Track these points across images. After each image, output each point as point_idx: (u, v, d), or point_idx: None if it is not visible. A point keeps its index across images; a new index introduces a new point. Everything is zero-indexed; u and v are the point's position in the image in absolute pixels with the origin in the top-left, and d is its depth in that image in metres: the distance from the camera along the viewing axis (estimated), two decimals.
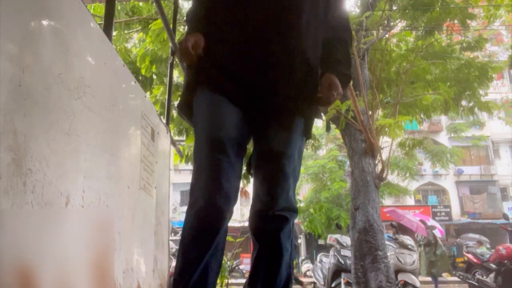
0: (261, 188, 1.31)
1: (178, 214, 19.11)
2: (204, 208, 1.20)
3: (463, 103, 7.07)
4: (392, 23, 6.54)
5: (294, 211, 1.32)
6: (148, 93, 5.92)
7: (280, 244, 1.28)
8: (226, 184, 1.21)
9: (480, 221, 19.21)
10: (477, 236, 10.53)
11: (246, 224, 1.46)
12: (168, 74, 3.40)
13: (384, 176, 5.62)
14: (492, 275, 6.96)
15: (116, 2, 2.39)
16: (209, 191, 1.20)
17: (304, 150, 1.42)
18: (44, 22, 1.20)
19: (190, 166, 6.60)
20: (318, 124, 12.25)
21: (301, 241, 19.86)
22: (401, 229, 7.52)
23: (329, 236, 7.44)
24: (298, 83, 1.29)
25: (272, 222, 1.28)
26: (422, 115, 7.04)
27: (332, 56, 1.37)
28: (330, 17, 1.40)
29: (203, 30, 1.28)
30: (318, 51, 1.37)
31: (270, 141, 1.30)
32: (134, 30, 6.18)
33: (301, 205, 13.11)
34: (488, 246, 8.96)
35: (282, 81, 1.27)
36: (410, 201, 19.85)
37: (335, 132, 9.99)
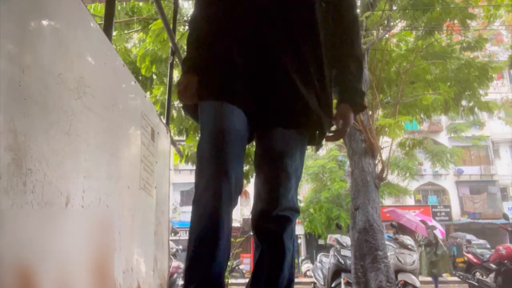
0: (263, 188, 1.30)
1: (178, 214, 19.11)
2: (209, 198, 1.17)
3: (463, 103, 7.08)
4: (392, 23, 6.54)
5: (296, 211, 1.32)
6: (148, 93, 5.91)
7: (282, 244, 1.28)
8: (231, 172, 1.18)
9: (480, 221, 19.20)
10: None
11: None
12: (168, 74, 3.40)
13: (384, 176, 5.63)
14: (492, 275, 6.96)
15: (116, 2, 2.39)
16: (214, 181, 1.17)
17: None
18: (44, 22, 1.20)
19: (190, 166, 6.60)
20: None
21: (301, 241, 19.86)
22: (401, 229, 7.52)
23: (329, 236, 7.45)
24: (309, 96, 1.26)
25: (274, 222, 1.28)
26: (422, 115, 7.05)
27: (348, 81, 1.33)
28: (340, 16, 1.35)
29: (201, 57, 1.26)
30: (330, 63, 1.31)
31: (273, 140, 1.30)
32: (134, 30, 6.18)
33: (301, 205, 13.14)
34: (489, 246, 8.96)
35: (292, 93, 1.24)
36: (410, 201, 19.85)
37: None
